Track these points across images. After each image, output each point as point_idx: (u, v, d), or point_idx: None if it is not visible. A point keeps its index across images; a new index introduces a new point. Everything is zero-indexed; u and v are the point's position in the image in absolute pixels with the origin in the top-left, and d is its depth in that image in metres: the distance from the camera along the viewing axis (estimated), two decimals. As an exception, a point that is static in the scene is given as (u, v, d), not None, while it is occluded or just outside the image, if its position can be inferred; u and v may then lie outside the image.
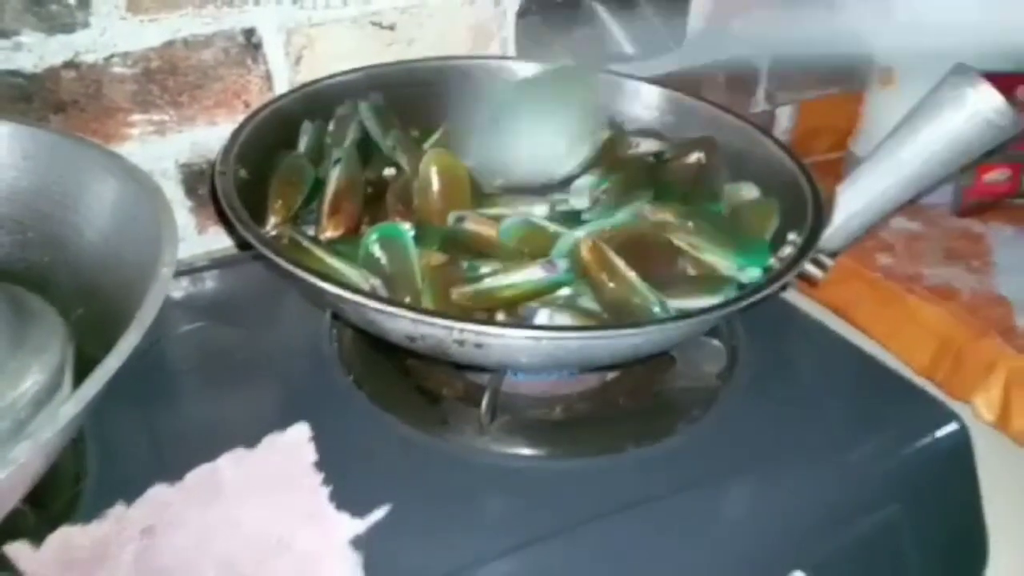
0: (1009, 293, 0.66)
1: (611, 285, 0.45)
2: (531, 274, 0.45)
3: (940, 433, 0.48)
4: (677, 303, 0.45)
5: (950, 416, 0.49)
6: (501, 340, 0.39)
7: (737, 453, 0.46)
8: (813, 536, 0.44)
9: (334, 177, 0.51)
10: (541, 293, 0.45)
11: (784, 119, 0.89)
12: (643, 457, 0.45)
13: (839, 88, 0.89)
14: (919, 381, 0.55)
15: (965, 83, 0.43)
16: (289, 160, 0.53)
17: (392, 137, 0.55)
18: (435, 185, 0.51)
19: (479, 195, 0.53)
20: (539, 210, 0.52)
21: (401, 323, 0.40)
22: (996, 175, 0.75)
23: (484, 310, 0.45)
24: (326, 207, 0.50)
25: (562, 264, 0.45)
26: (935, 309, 0.64)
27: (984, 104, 0.42)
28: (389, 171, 0.54)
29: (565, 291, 0.46)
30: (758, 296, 0.42)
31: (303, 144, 0.55)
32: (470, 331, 0.39)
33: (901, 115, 0.47)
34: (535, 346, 0.40)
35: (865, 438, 0.47)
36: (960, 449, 0.49)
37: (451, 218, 0.50)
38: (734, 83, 0.83)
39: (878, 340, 0.66)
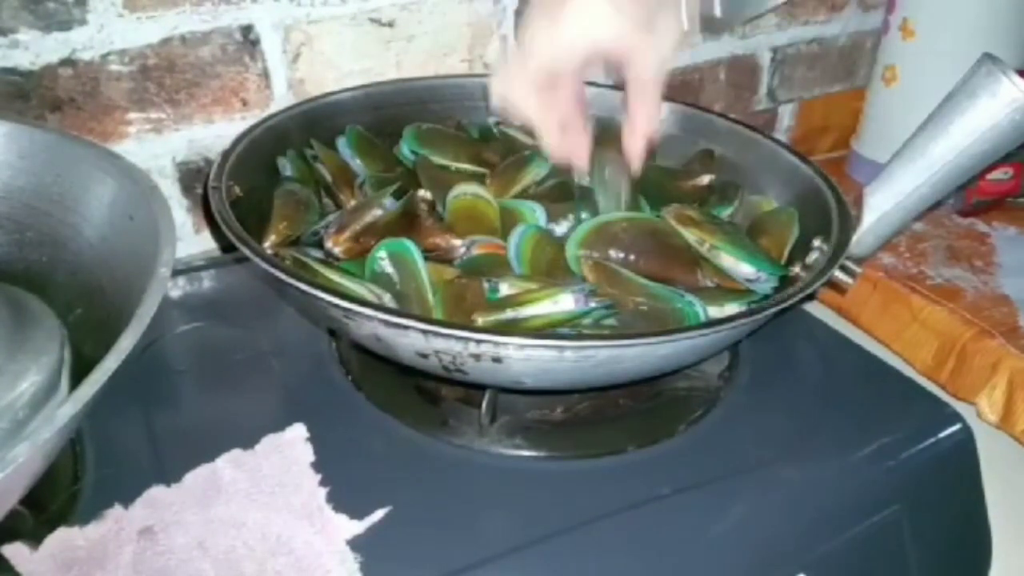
0: (1013, 293, 0.65)
1: (629, 298, 0.44)
2: (561, 306, 0.42)
3: (943, 434, 0.48)
4: None
5: (953, 417, 0.49)
6: (523, 352, 0.37)
7: (738, 454, 0.46)
8: (815, 537, 0.44)
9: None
10: (570, 322, 0.43)
11: (786, 117, 0.89)
12: (644, 458, 0.45)
13: (842, 86, 0.89)
14: (922, 381, 0.55)
15: (998, 71, 0.41)
16: (294, 186, 0.52)
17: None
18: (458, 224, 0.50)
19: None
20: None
21: (412, 337, 0.38)
22: (999, 174, 0.75)
23: None
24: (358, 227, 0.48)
25: (593, 299, 0.43)
26: (938, 309, 0.64)
27: (1020, 91, 0.41)
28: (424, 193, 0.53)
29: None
30: (791, 302, 0.41)
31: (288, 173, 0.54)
32: (488, 342, 0.37)
33: (903, 113, 0.46)
34: (558, 358, 0.38)
35: (868, 438, 0.47)
36: (963, 450, 0.49)
37: (460, 249, 0.49)
38: (736, 81, 0.83)
39: (881, 340, 0.66)
